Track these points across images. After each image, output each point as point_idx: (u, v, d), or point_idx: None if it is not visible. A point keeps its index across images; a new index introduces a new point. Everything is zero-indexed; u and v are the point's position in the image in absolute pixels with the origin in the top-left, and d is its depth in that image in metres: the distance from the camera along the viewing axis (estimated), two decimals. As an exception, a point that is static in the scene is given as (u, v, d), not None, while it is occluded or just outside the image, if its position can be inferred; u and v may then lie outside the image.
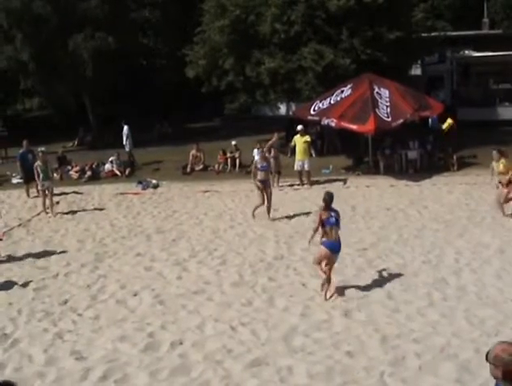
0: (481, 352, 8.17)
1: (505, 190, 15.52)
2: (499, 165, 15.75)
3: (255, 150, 23.89)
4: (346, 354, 8.49)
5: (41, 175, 18.39)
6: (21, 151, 22.01)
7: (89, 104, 31.47)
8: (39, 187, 18.61)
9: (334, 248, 10.57)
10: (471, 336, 8.82)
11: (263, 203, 16.40)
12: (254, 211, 16.51)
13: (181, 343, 9.13)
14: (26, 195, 20.95)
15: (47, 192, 18.40)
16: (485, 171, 19.56)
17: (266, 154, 17.58)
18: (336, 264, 11.62)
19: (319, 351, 8.66)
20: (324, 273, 10.73)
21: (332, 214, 10.54)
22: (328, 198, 10.60)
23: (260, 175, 16.37)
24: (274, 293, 10.98)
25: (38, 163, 18.67)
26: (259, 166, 16.51)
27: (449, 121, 24.30)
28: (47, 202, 18.47)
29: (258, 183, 16.34)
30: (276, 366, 8.27)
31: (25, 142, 21.91)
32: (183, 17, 31.78)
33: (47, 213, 18.27)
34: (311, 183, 20.78)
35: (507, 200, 15.57)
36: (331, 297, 10.65)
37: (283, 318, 9.90)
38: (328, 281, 10.73)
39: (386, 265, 12.21)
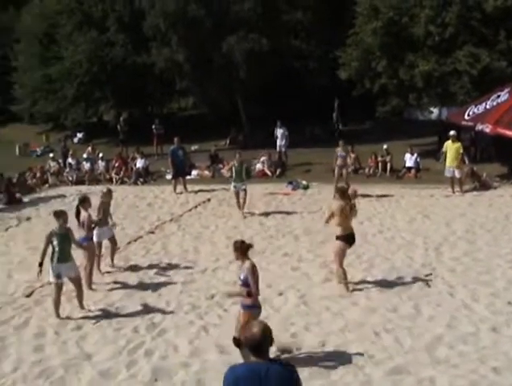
0: None
1: None
2: None
3: (407, 154, 23.58)
4: (492, 370, 8.21)
5: (233, 176, 18.40)
6: (172, 147, 22.89)
7: (242, 104, 32.14)
8: (232, 188, 18.52)
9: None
10: None
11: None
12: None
13: (323, 345, 9.20)
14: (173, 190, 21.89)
15: (239, 193, 18.23)
16: None
17: None
18: (482, 275, 11.51)
19: (463, 364, 8.44)
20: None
21: None
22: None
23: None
24: (421, 301, 10.79)
25: (233, 163, 18.66)
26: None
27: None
28: (241, 201, 18.25)
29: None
30: (418, 376, 8.16)
31: (176, 139, 22.65)
32: (335, 19, 31.75)
33: (244, 216, 18.00)
34: (464, 191, 20.11)
35: None
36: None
37: (428, 327, 9.72)
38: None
39: (543, 279, 11.66)
